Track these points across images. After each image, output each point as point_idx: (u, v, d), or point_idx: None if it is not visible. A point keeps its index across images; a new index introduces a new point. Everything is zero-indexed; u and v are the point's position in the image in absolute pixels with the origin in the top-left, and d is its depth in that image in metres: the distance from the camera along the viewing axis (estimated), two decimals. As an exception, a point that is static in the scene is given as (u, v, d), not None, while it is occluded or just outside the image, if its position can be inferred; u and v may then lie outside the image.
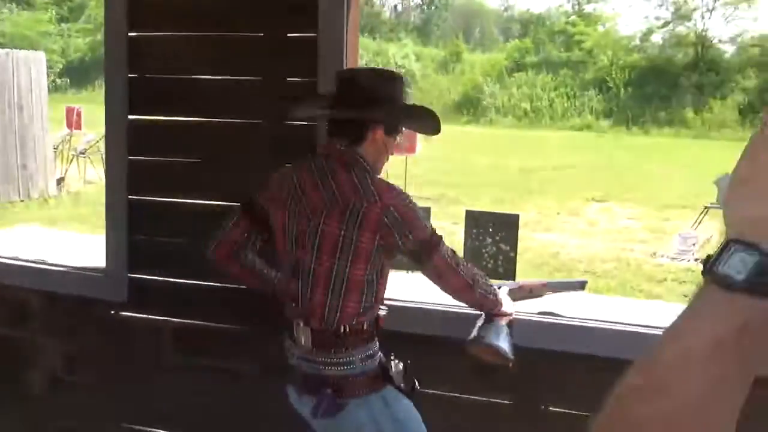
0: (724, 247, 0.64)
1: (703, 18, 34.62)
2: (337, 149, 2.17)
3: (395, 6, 47.40)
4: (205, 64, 2.91)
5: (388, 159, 2.27)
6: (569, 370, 2.57)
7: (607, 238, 10.83)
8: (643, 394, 0.61)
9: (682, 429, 0.60)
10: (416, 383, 2.27)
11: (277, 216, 2.24)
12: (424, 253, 2.14)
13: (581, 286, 2.68)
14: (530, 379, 2.61)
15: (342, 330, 2.13)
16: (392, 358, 2.24)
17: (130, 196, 3.00)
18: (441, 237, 2.17)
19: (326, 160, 2.18)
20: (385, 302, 2.28)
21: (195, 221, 2.92)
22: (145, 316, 3.08)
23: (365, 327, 2.16)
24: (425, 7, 46.40)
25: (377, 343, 2.22)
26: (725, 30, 45.42)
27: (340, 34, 2.68)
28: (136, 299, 3.05)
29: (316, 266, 2.13)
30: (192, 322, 3.02)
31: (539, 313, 2.63)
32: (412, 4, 47.62)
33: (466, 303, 2.31)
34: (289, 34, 2.79)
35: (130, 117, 2.98)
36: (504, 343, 2.26)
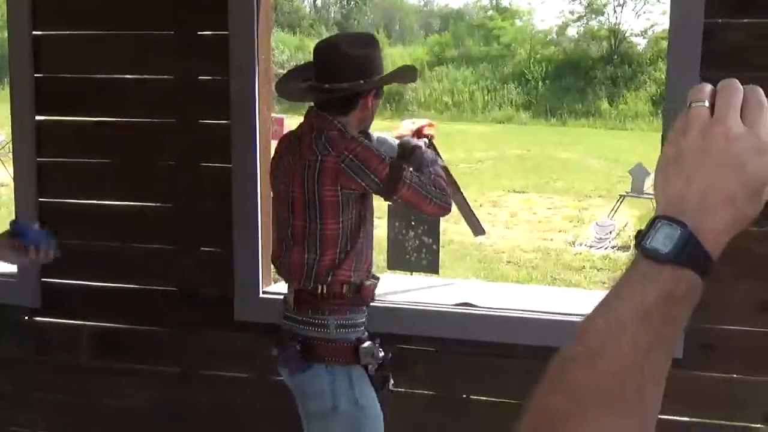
0: (652, 223, 0.69)
1: (615, 12, 35.63)
2: (313, 115, 2.22)
3: (315, 1, 47.22)
4: (114, 62, 2.86)
5: (373, 119, 2.34)
6: (488, 359, 2.63)
7: (527, 229, 11.06)
8: (581, 360, 0.66)
9: (614, 391, 0.64)
10: (389, 381, 2.30)
11: (270, 183, 2.37)
12: (391, 188, 2.17)
13: (480, 231, 2.90)
14: (450, 369, 2.66)
15: (319, 290, 2.17)
16: (377, 341, 2.25)
17: (40, 199, 2.93)
18: (402, 166, 2.19)
19: (302, 125, 2.25)
20: (376, 275, 2.32)
21: (108, 223, 2.88)
22: (60, 320, 3.02)
23: (344, 291, 2.19)
24: (345, 2, 46.36)
25: (362, 316, 2.25)
26: (636, 23, 46.79)
27: (251, 32, 2.67)
28: (50, 304, 2.98)
29: (292, 227, 2.20)
30: (110, 325, 2.97)
31: (457, 305, 2.68)
32: (331, -1, 47.50)
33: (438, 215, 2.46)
34: (199, 32, 2.76)
35: (38, 118, 2.91)
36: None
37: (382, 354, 2.25)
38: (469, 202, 2.79)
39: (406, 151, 2.35)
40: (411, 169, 2.24)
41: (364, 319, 2.26)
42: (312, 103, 2.31)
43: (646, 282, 0.66)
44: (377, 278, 2.32)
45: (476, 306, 2.68)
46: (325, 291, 2.18)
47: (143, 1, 2.80)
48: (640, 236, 0.69)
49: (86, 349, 3.00)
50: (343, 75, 2.17)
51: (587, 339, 0.67)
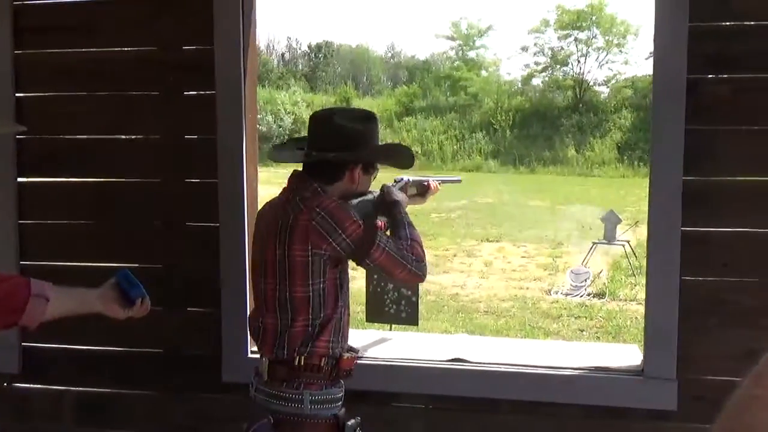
0: None
1: (578, 62, 36.42)
2: (294, 177, 2.17)
3: (283, 54, 47.66)
4: (100, 123, 2.84)
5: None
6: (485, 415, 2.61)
7: (503, 277, 11.09)
8: (761, 402, 0.67)
9: None
10: None
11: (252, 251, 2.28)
12: (364, 250, 2.06)
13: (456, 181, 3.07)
14: (446, 425, 2.63)
15: (296, 362, 2.05)
16: (357, 418, 2.13)
17: (21, 261, 2.88)
18: (376, 229, 2.12)
19: (283, 191, 2.18)
20: (355, 348, 2.20)
21: (92, 285, 2.82)
22: (41, 386, 2.94)
23: (321, 363, 2.07)
24: (313, 55, 46.85)
25: (340, 390, 2.13)
26: (599, 73, 47.73)
27: (239, 90, 2.68)
28: (30, 369, 2.90)
29: (265, 293, 2.11)
30: (93, 390, 2.90)
31: (449, 360, 2.66)
32: (299, 52, 47.99)
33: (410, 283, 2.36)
34: (185, 92, 2.76)
35: (20, 180, 2.88)
36: None
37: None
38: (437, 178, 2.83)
39: (385, 202, 2.34)
40: (386, 230, 2.20)
41: (341, 393, 2.14)
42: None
43: None
44: (356, 350, 2.21)
45: (468, 361, 2.66)
46: (302, 362, 2.06)
47: (127, 63, 2.80)
48: None
49: (69, 416, 2.92)
50: (332, 144, 2.13)
51: (766, 381, 0.67)
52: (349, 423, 2.10)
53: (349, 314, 2.18)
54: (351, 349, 2.18)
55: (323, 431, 2.08)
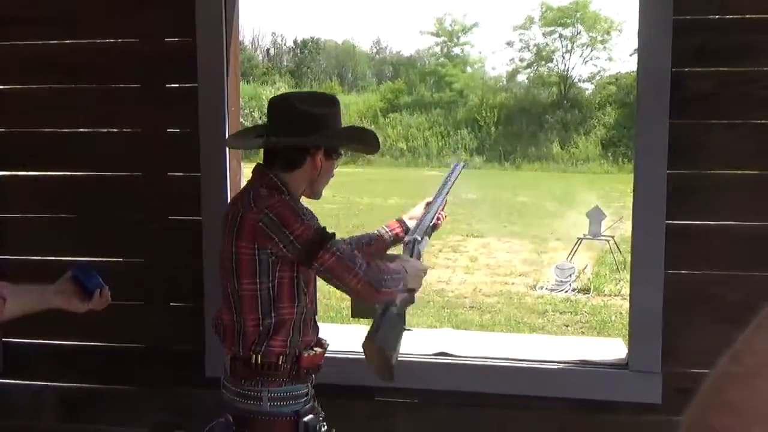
0: None
1: (563, 58, 36.53)
2: (258, 175, 2.09)
3: (268, 50, 47.50)
4: (80, 116, 2.80)
5: (328, 181, 2.17)
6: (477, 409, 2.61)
7: (488, 273, 11.10)
8: (739, 380, 0.66)
9: None
10: None
11: None
12: (311, 253, 1.96)
13: (461, 167, 2.61)
14: (433, 419, 2.62)
15: (253, 360, 2.02)
16: (320, 415, 2.10)
17: (2, 256, 2.84)
18: (330, 234, 2.01)
19: (248, 187, 2.10)
20: (323, 344, 2.15)
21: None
22: (22, 382, 2.90)
23: (279, 362, 2.03)
24: (298, 50, 46.72)
25: (303, 387, 2.08)
26: (584, 70, 47.94)
27: (221, 83, 2.65)
28: (12, 366, 2.87)
29: (223, 288, 2.07)
30: (75, 385, 2.87)
31: (434, 354, 2.66)
32: (284, 47, 47.85)
33: (366, 300, 2.12)
34: (167, 85, 2.73)
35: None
36: (389, 337, 2.12)
37: (324, 429, 2.09)
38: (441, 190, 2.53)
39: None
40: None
41: (306, 390, 2.09)
42: None
43: None
44: (324, 347, 2.15)
45: (454, 355, 2.66)
46: (259, 360, 2.02)
47: (108, 55, 2.76)
48: None
49: (50, 412, 2.89)
50: (290, 129, 2.05)
51: (746, 358, 0.67)
52: (306, 419, 2.04)
53: (315, 311, 2.13)
54: (319, 344, 2.13)
55: (283, 428, 2.04)
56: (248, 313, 2.02)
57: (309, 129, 2.05)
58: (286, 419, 2.04)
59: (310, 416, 2.06)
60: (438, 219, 2.46)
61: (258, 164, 2.12)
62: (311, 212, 2.08)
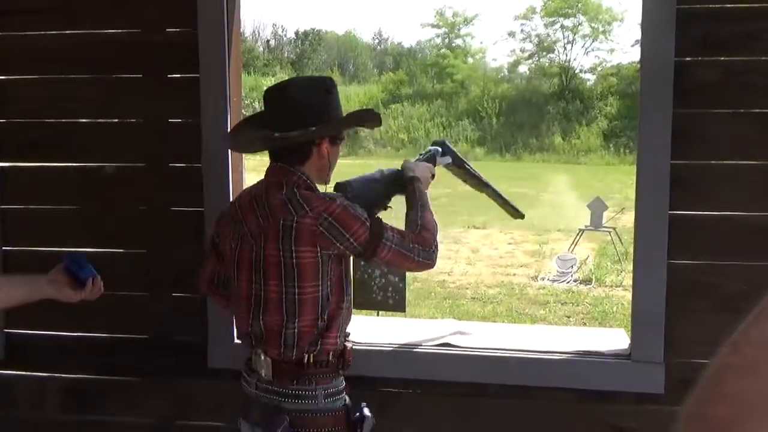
0: None
1: (565, 49, 36.45)
2: (275, 169, 2.09)
3: (269, 41, 47.42)
4: (82, 107, 2.80)
5: (335, 166, 2.18)
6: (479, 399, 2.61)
7: (490, 264, 11.10)
8: (737, 371, 0.65)
9: None
10: None
11: (225, 245, 2.17)
12: (370, 251, 2.02)
13: (519, 215, 2.69)
14: (436, 410, 2.62)
15: (305, 359, 2.02)
16: (363, 405, 2.12)
17: (4, 247, 2.84)
18: (382, 228, 2.04)
19: (265, 182, 2.11)
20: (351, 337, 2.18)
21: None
22: (26, 373, 2.91)
23: (330, 358, 2.05)
24: (299, 41, 46.65)
25: (343, 381, 2.11)
26: (586, 60, 47.85)
27: (223, 74, 2.64)
28: (15, 356, 2.88)
29: (266, 293, 2.04)
30: (78, 376, 2.87)
31: (438, 345, 2.66)
32: (285, 39, 47.76)
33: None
34: (169, 75, 2.73)
35: (1, 164, 2.84)
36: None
37: (372, 418, 2.12)
38: (498, 191, 2.65)
39: (404, 179, 2.28)
40: (391, 227, 2.08)
41: (344, 384, 2.13)
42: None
43: None
44: (353, 341, 2.19)
45: (457, 346, 2.65)
46: (311, 360, 2.04)
47: (109, 45, 2.75)
48: None
49: (53, 403, 2.89)
50: (293, 122, 2.05)
51: (743, 349, 0.66)
52: (368, 416, 2.10)
53: (351, 304, 2.16)
54: (348, 338, 2.16)
55: (338, 422, 2.07)
56: (307, 315, 2.02)
57: (311, 120, 2.06)
58: (338, 413, 2.08)
59: (370, 414, 2.11)
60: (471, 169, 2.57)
61: (278, 164, 2.11)
62: (344, 199, 2.08)
